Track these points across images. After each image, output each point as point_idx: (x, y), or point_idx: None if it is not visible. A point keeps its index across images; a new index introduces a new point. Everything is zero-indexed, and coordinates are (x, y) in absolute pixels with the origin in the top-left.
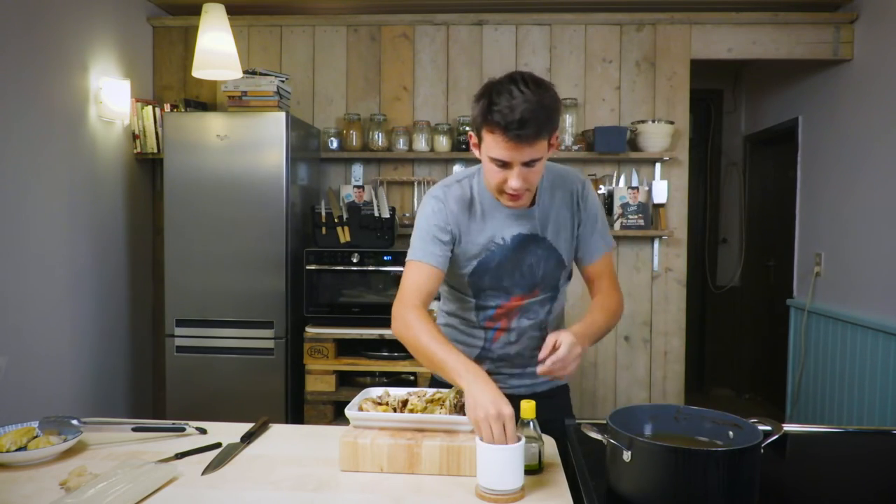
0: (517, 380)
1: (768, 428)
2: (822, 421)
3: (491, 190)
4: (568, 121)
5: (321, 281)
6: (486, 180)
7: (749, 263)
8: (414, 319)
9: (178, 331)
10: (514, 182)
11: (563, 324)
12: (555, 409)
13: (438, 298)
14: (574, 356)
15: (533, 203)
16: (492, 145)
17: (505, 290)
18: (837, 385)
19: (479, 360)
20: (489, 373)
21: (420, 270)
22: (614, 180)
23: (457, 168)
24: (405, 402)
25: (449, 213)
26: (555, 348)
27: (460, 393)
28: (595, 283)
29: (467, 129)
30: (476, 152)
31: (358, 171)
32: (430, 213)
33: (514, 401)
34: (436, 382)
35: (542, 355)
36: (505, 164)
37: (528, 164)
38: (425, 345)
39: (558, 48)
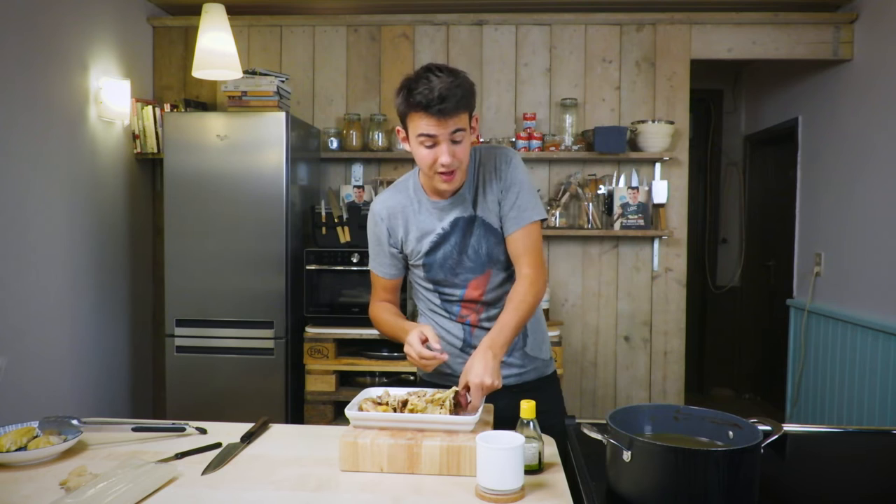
0: (504, 369)
1: (768, 428)
2: (822, 421)
3: (426, 175)
4: (568, 121)
5: (321, 281)
6: (420, 167)
7: (749, 263)
8: (375, 314)
9: (178, 331)
10: (444, 157)
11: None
12: (546, 401)
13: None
14: (490, 379)
15: (458, 188)
16: (418, 126)
17: (459, 277)
18: (837, 385)
19: (463, 351)
20: None
21: (376, 279)
22: (614, 180)
23: None
24: (405, 402)
25: (385, 225)
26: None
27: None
28: (515, 260)
29: None
30: (406, 146)
31: (358, 171)
32: (372, 227)
33: (504, 392)
34: (424, 382)
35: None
36: (434, 143)
37: (454, 140)
38: (386, 328)
39: (558, 48)
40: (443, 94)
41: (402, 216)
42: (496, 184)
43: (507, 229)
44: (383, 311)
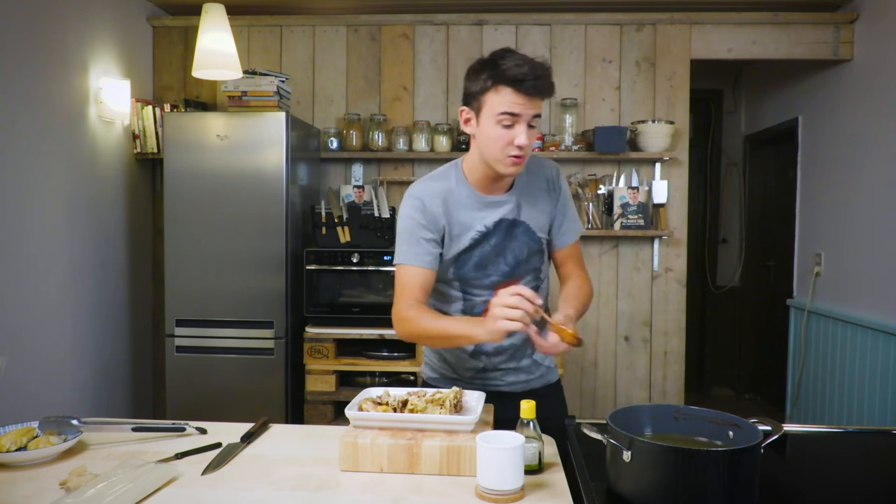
0: (513, 376)
1: (768, 428)
2: (822, 421)
3: (493, 159)
4: (568, 121)
5: (321, 281)
6: (487, 150)
7: (749, 263)
8: (411, 315)
9: (178, 331)
10: (522, 138)
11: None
12: (552, 408)
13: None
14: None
15: (511, 188)
16: (501, 102)
17: (490, 278)
18: (837, 385)
19: (474, 355)
20: (485, 369)
21: (410, 273)
22: (614, 180)
23: None
24: (405, 402)
25: (429, 211)
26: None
27: (460, 392)
28: (565, 266)
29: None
30: (468, 128)
31: (358, 171)
32: (411, 212)
33: (512, 398)
34: (424, 383)
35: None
36: (513, 121)
37: (530, 125)
38: (431, 328)
39: (558, 48)
40: (536, 72)
41: (444, 205)
42: (548, 195)
43: (563, 242)
44: (427, 313)
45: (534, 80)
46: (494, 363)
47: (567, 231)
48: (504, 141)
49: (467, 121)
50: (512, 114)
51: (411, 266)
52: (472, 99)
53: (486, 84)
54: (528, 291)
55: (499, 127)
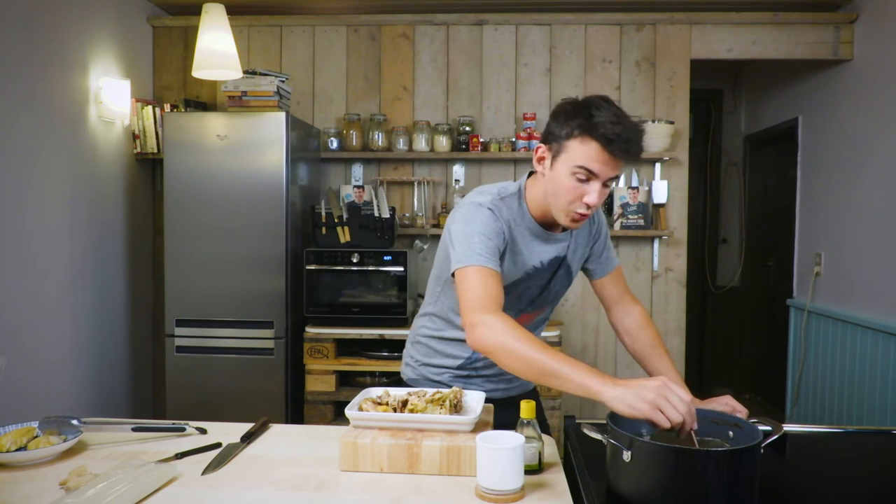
0: (493, 384)
1: (768, 428)
2: (822, 421)
3: (556, 208)
4: None
5: (321, 281)
6: (553, 198)
7: (749, 263)
8: (504, 327)
9: (178, 331)
10: (593, 197)
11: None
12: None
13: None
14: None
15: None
16: (583, 156)
17: (516, 308)
18: (837, 385)
19: (460, 367)
20: (468, 377)
21: (487, 275)
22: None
23: (456, 168)
24: (405, 402)
25: (499, 227)
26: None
27: (460, 392)
28: (621, 301)
29: (468, 129)
30: (540, 167)
31: (358, 171)
32: (486, 219)
33: (495, 404)
34: (403, 383)
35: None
36: (589, 178)
37: (606, 183)
38: (534, 355)
39: (558, 48)
40: (629, 134)
41: (509, 229)
42: (587, 229)
43: (602, 271)
44: (530, 335)
45: (625, 142)
46: (479, 373)
47: (609, 258)
48: (574, 194)
49: (541, 159)
50: (590, 171)
51: (487, 269)
52: (553, 140)
53: (573, 131)
54: (694, 409)
55: (573, 179)
